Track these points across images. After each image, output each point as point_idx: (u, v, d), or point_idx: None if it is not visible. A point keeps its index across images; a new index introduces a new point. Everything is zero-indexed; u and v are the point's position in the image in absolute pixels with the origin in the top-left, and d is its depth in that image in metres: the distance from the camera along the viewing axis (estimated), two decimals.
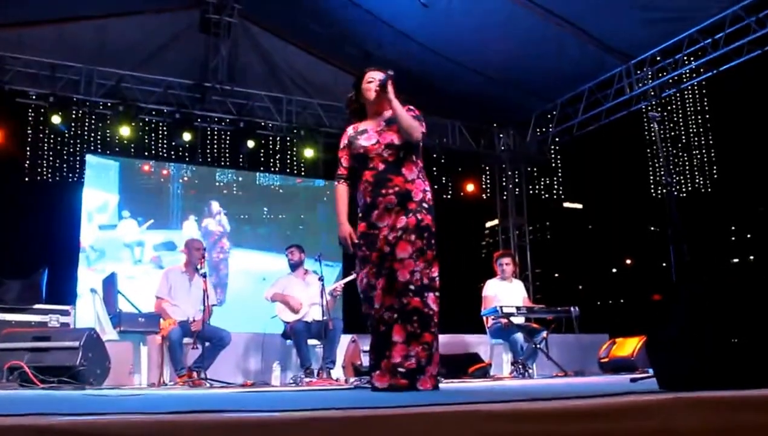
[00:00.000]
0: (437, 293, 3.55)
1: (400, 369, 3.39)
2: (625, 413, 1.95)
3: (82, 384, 4.90)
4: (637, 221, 15.62)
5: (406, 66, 8.39)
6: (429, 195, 3.66)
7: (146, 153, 9.44)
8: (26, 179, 8.58)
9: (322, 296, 6.50)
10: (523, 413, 1.91)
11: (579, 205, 18.92)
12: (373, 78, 3.75)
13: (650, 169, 8.92)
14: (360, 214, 3.70)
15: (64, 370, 4.96)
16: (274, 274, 7.61)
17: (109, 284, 6.20)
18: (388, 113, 3.73)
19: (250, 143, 9.53)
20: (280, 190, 10.33)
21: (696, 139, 8.39)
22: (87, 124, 8.84)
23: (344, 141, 3.88)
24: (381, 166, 3.63)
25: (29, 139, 8.69)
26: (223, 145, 9.68)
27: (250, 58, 9.18)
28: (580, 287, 18.16)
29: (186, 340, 6.10)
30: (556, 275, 17.31)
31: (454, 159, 10.76)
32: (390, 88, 3.64)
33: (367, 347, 6.47)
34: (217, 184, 9.91)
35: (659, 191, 8.61)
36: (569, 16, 7.83)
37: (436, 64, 8.81)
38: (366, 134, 3.74)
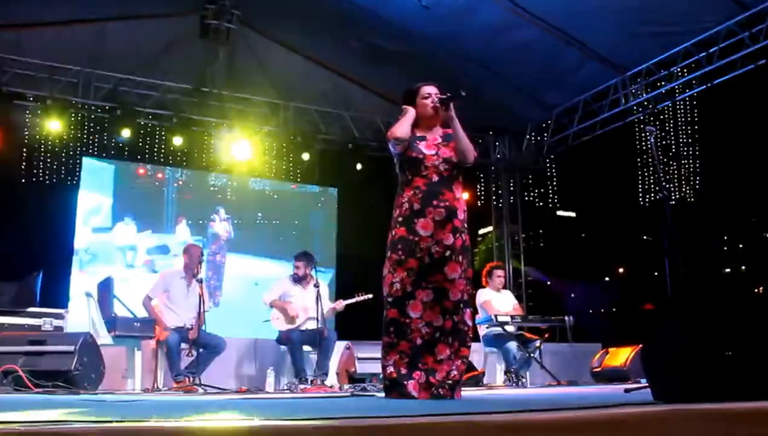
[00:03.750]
0: (471, 309, 3.73)
1: (445, 384, 3.53)
2: (620, 424, 1.98)
3: (76, 389, 4.91)
4: (629, 229, 15.68)
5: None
6: (466, 215, 3.80)
7: (142, 156, 9.43)
8: (22, 181, 8.58)
9: (317, 302, 6.51)
10: (520, 424, 1.94)
11: (572, 214, 18.95)
12: (430, 93, 3.85)
13: (639, 178, 8.99)
14: (400, 219, 3.70)
15: (59, 374, 4.98)
16: (267, 279, 7.63)
17: (105, 288, 6.20)
18: (442, 129, 3.87)
19: (245, 148, 9.53)
20: (275, 196, 10.35)
21: (684, 149, 8.49)
22: (84, 127, 8.82)
23: None
24: (435, 178, 3.71)
25: (26, 141, 8.68)
26: (218, 150, 9.67)
27: (248, 64, 9.19)
28: (572, 295, 18.16)
29: (182, 346, 6.11)
30: (549, 283, 17.31)
31: None
32: (452, 107, 3.77)
33: (363, 354, 6.51)
34: (212, 188, 9.92)
35: (647, 200, 8.68)
36: (567, 29, 7.91)
37: (431, 69, 8.84)
38: (425, 142, 3.80)
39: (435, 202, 3.67)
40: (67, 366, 4.99)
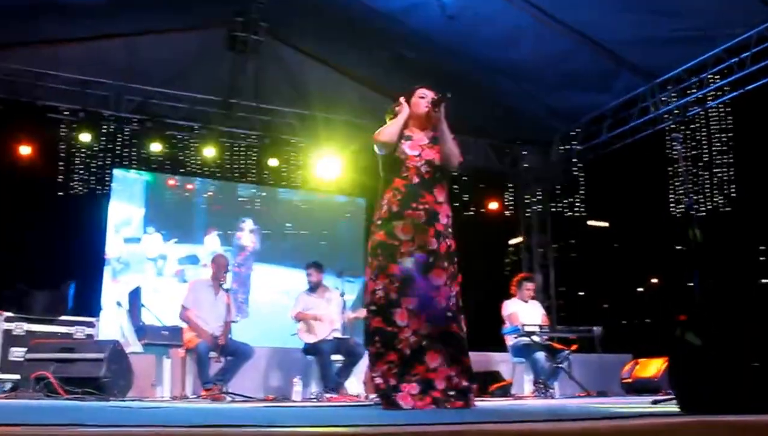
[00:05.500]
0: (463, 316, 3.60)
1: (451, 393, 3.40)
2: (645, 435, 1.96)
3: (106, 395, 4.97)
4: (662, 240, 15.45)
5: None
6: (451, 220, 3.69)
7: (172, 168, 9.56)
8: (56, 193, 8.74)
9: (342, 312, 6.54)
10: (546, 433, 1.92)
11: (605, 224, 18.74)
12: (425, 94, 3.79)
13: (670, 188, 8.87)
14: (379, 222, 3.60)
15: (89, 381, 5.05)
16: (296, 289, 7.66)
17: (134, 297, 6.31)
18: (432, 132, 3.78)
19: (274, 159, 9.66)
20: (303, 206, 10.42)
21: (718, 157, 8.34)
22: (116, 139, 8.98)
23: None
24: (416, 180, 3.61)
25: (60, 154, 8.86)
26: (247, 161, 9.79)
27: (275, 75, 9.27)
28: (605, 306, 17.95)
29: (211, 354, 6.16)
30: (580, 293, 17.15)
31: (478, 177, 10.77)
32: (442, 109, 3.71)
33: None
34: (241, 199, 10.02)
35: (678, 210, 8.55)
36: (595, 35, 7.84)
37: (459, 79, 8.84)
38: (410, 142, 3.72)
39: (414, 205, 3.56)
40: (96, 373, 5.07)
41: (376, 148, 3.74)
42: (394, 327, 3.43)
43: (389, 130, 3.70)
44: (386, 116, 3.93)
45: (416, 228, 3.52)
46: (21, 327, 6.23)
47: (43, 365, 5.12)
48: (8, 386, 6.06)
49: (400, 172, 3.63)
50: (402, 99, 3.84)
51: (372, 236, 3.61)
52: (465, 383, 3.46)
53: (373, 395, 6.29)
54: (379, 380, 3.41)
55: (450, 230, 3.63)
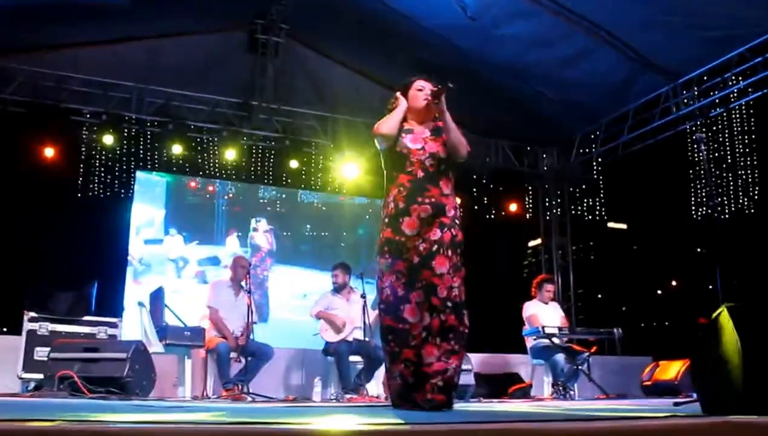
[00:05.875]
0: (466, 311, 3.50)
1: (438, 384, 3.31)
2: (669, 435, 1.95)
3: (128, 395, 5.03)
4: (683, 242, 15.32)
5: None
6: (459, 212, 3.63)
7: (193, 170, 9.64)
8: (78, 195, 8.83)
9: (364, 313, 6.57)
10: (567, 432, 1.93)
11: (623, 226, 18.63)
12: (423, 86, 3.70)
13: (692, 189, 8.77)
14: (387, 220, 3.55)
15: (112, 381, 5.11)
16: (316, 291, 7.71)
17: (157, 298, 6.36)
18: (433, 123, 3.70)
19: (294, 160, 9.72)
20: (323, 208, 10.45)
21: (741, 159, 8.24)
22: (137, 141, 9.07)
23: None
24: (420, 174, 3.53)
25: (82, 156, 8.96)
26: (267, 163, 9.84)
27: (296, 77, 9.34)
28: (624, 308, 17.84)
29: (231, 354, 6.21)
30: (600, 295, 17.05)
31: (497, 178, 10.75)
32: (443, 100, 3.61)
33: None
34: (261, 201, 10.07)
35: (700, 212, 8.47)
36: (616, 33, 7.78)
37: (479, 81, 8.84)
38: (412, 135, 3.64)
39: (420, 199, 3.48)
40: (119, 373, 5.12)
41: (376, 143, 3.68)
42: (405, 324, 3.37)
43: (389, 123, 3.61)
44: (386, 111, 3.82)
45: (422, 222, 3.45)
46: (45, 327, 6.29)
47: (66, 364, 5.18)
48: (32, 385, 6.15)
49: (404, 168, 3.56)
50: (399, 94, 3.75)
51: (380, 235, 3.57)
52: (452, 380, 3.36)
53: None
54: (398, 380, 3.36)
55: (457, 221, 3.56)
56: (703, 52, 7.95)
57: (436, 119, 3.71)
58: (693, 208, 8.59)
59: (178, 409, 3.34)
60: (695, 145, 8.05)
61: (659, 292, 20.28)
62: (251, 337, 6.34)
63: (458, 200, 3.71)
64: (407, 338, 3.35)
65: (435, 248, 3.42)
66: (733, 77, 8.06)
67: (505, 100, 9.30)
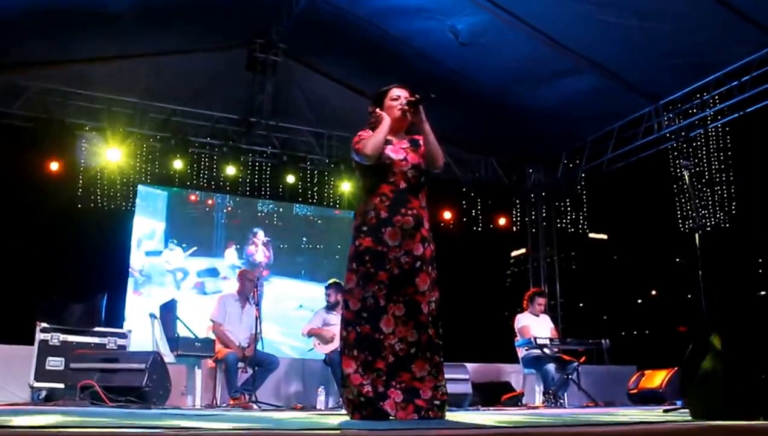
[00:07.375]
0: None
1: (436, 402, 3.34)
2: None
3: (147, 404, 5.26)
4: (662, 253, 15.75)
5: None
6: (430, 225, 3.61)
7: (193, 184, 9.85)
8: (79, 206, 8.99)
9: None
10: None
11: (604, 236, 19.00)
12: (399, 95, 3.64)
13: (677, 203, 9.15)
14: (365, 228, 3.47)
15: (131, 390, 5.33)
16: (311, 301, 8.02)
17: (169, 309, 6.59)
18: (408, 136, 3.66)
19: (290, 175, 10.00)
20: (318, 221, 10.71)
21: (717, 175, 8.67)
22: (140, 156, 9.29)
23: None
24: (402, 185, 3.50)
25: (85, 170, 9.14)
26: (265, 178, 10.10)
27: (293, 95, 9.62)
28: (605, 317, 18.20)
29: (239, 364, 6.48)
30: (581, 304, 17.39)
31: (486, 193, 11.08)
32: (422, 110, 3.57)
33: None
34: (259, 214, 10.31)
35: (686, 227, 8.85)
36: (599, 59, 8.21)
37: (470, 98, 9.19)
38: (391, 146, 3.56)
39: (402, 211, 3.45)
40: (138, 382, 5.35)
41: (357, 158, 3.56)
42: (380, 334, 3.36)
43: (374, 141, 3.48)
44: (367, 125, 3.67)
45: (404, 233, 3.43)
46: (57, 338, 6.49)
47: (87, 374, 5.40)
48: (43, 393, 6.34)
49: (386, 178, 3.50)
50: (379, 110, 3.63)
51: (356, 242, 3.48)
52: (446, 396, 3.40)
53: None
54: (368, 388, 3.31)
55: (431, 234, 3.56)
56: (684, 76, 8.41)
57: (411, 131, 3.68)
58: (679, 221, 8.98)
59: (217, 418, 3.60)
60: (679, 171, 8.46)
61: (639, 301, 20.71)
62: (259, 347, 6.60)
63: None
64: (381, 348, 3.35)
65: (418, 264, 3.44)
66: (711, 100, 8.50)
67: (495, 118, 9.67)
